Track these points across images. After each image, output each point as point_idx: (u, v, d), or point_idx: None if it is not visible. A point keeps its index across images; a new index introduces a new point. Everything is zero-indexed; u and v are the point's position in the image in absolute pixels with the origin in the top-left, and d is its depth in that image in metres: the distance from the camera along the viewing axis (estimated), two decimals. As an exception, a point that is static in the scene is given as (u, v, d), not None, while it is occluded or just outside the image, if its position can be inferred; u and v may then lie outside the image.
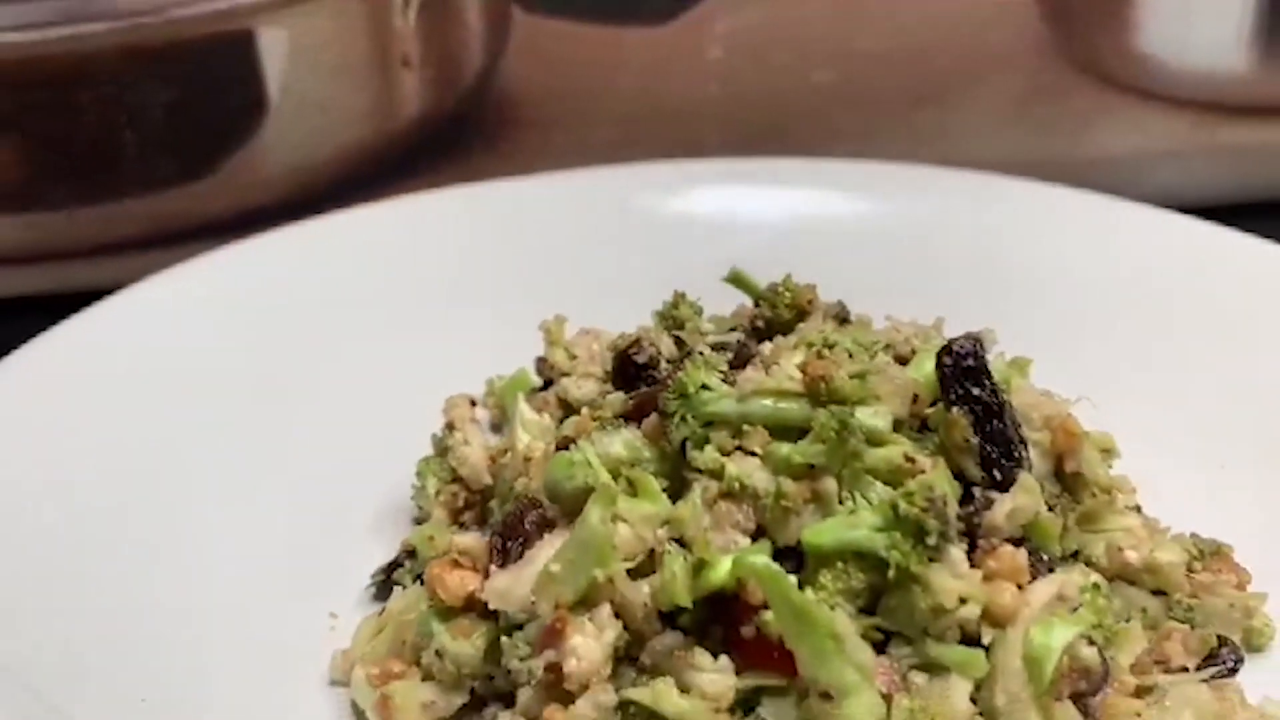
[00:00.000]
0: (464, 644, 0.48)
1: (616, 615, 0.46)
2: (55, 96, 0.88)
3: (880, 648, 0.45)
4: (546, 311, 0.67)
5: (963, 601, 0.43)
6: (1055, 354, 0.63)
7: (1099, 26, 1.04)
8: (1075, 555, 0.52)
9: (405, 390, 0.68)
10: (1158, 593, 0.54)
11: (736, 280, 0.63)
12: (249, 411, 0.66)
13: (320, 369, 0.70)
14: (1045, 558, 0.48)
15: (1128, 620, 0.51)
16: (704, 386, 0.49)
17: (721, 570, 0.44)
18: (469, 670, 0.48)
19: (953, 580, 0.44)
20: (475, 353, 0.69)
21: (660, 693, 0.43)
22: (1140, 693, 0.48)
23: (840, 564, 0.44)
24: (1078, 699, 0.44)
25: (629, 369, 0.58)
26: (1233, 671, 0.50)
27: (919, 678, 0.44)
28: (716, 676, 0.44)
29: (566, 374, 0.62)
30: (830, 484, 0.46)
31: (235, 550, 0.59)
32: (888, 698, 0.43)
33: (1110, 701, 0.44)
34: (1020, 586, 0.45)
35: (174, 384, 0.66)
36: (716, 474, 0.47)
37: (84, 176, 0.91)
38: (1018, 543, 0.48)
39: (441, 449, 0.62)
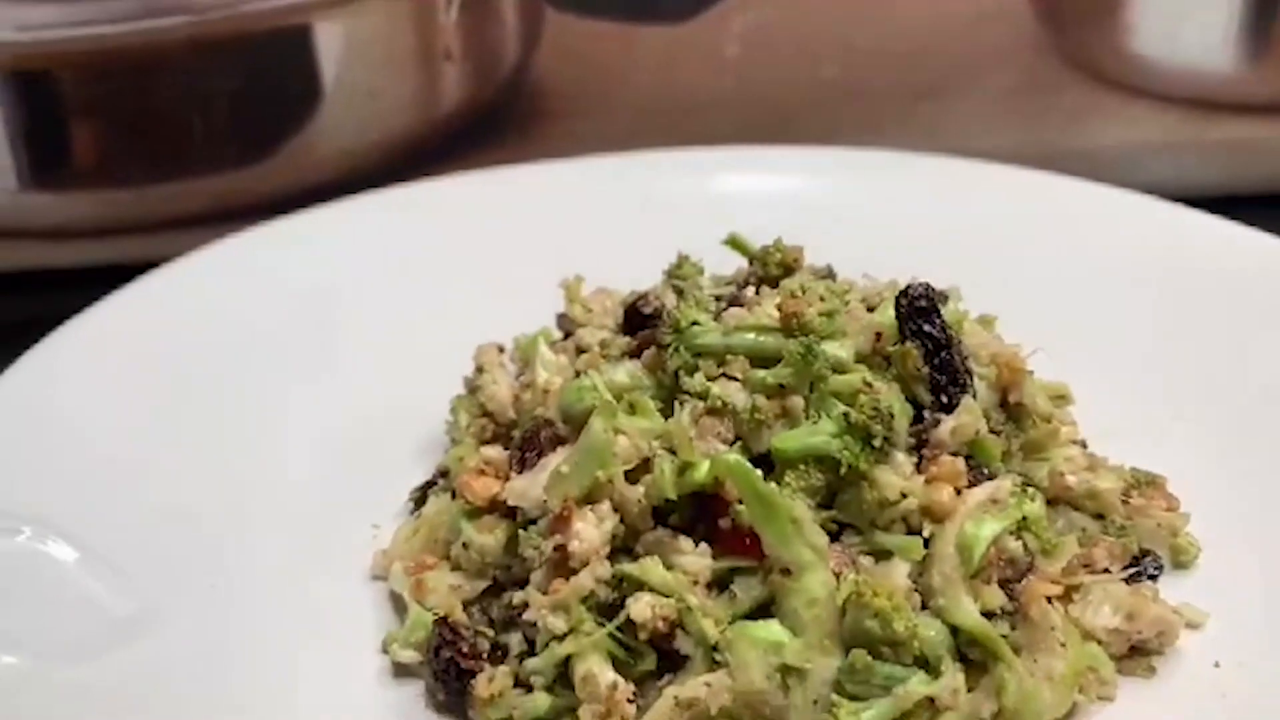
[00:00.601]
0: (487, 537, 0.57)
1: (615, 511, 0.54)
2: (131, 84, 0.98)
3: (834, 537, 0.53)
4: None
5: (904, 496, 0.51)
6: (1025, 317, 0.70)
7: (1091, 26, 1.11)
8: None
9: (440, 345, 0.76)
10: (1098, 517, 0.61)
11: (733, 243, 0.71)
12: (301, 361, 0.75)
13: (366, 325, 0.79)
14: (986, 471, 0.56)
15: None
16: (694, 323, 0.57)
17: (702, 469, 0.52)
18: (491, 559, 0.57)
19: (896, 478, 0.52)
20: (503, 314, 0.77)
21: (648, 568, 0.52)
22: (1068, 591, 0.56)
23: (802, 466, 0.52)
24: (1004, 584, 0.52)
25: (636, 319, 0.66)
26: (1153, 577, 0.58)
27: (866, 561, 0.52)
28: (696, 558, 0.52)
29: (583, 325, 0.71)
30: (797, 401, 0.54)
31: (293, 474, 0.67)
32: (838, 575, 0.51)
33: (1032, 586, 0.52)
34: (959, 490, 0.53)
35: (238, 335, 0.75)
36: (703, 395, 0.56)
37: (155, 157, 1.01)
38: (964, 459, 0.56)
39: (472, 388, 0.70)
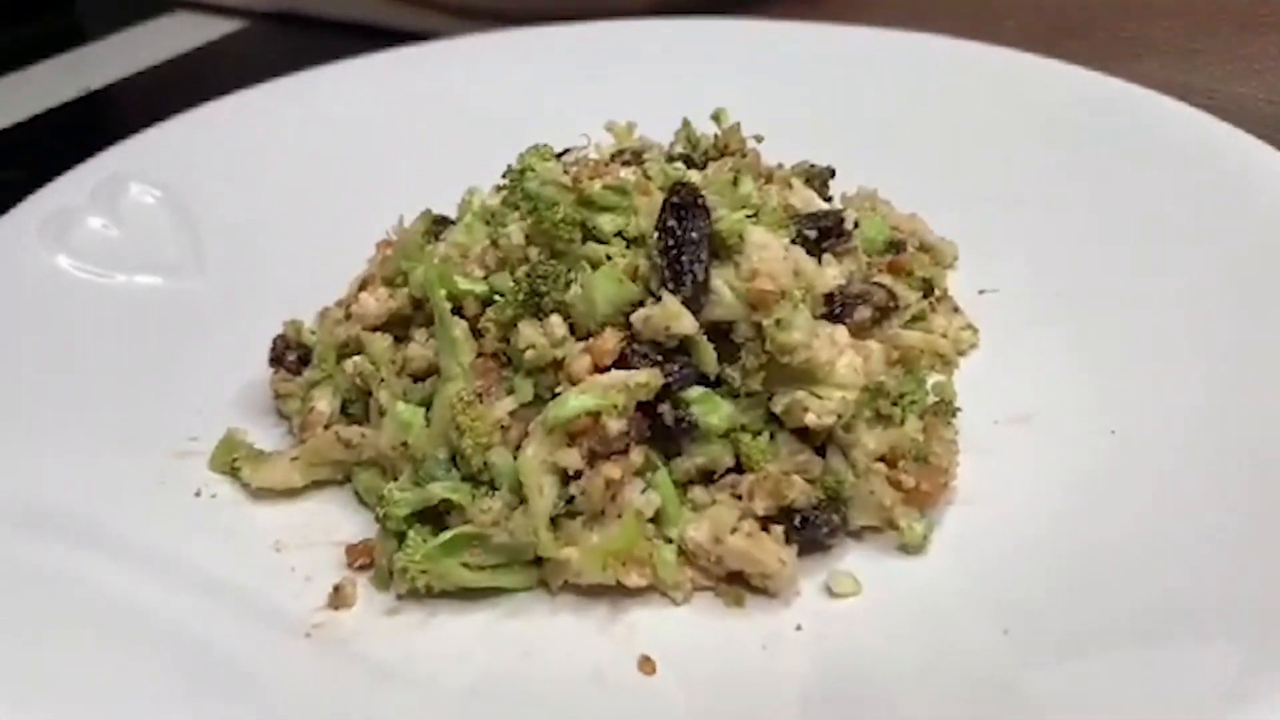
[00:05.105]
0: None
1: (419, 305, 0.67)
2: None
3: (505, 366, 0.61)
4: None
5: (531, 348, 0.58)
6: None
7: None
8: (770, 397, 0.60)
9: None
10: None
11: (715, 117, 0.75)
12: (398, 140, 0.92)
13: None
14: (679, 368, 0.59)
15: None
16: (530, 169, 0.66)
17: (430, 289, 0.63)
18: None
19: (535, 334, 0.58)
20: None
21: (373, 340, 0.65)
22: (699, 508, 0.59)
23: (500, 298, 0.61)
24: (594, 456, 0.57)
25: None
26: (796, 528, 0.57)
27: (503, 390, 0.60)
28: (418, 347, 0.64)
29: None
30: (534, 251, 0.62)
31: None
32: (481, 394, 0.60)
33: (601, 466, 0.56)
34: (604, 369, 0.58)
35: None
36: (503, 224, 0.65)
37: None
38: (671, 354, 0.59)
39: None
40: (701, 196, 0.60)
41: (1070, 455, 0.63)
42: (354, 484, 0.64)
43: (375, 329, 0.66)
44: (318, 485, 0.65)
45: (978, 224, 0.80)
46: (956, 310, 0.74)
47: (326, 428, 0.65)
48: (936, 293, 0.74)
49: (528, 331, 0.59)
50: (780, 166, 0.78)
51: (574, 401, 0.56)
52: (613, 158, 0.77)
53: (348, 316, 0.68)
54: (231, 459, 0.65)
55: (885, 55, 0.92)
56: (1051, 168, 0.82)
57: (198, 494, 0.65)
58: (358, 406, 0.66)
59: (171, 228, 0.83)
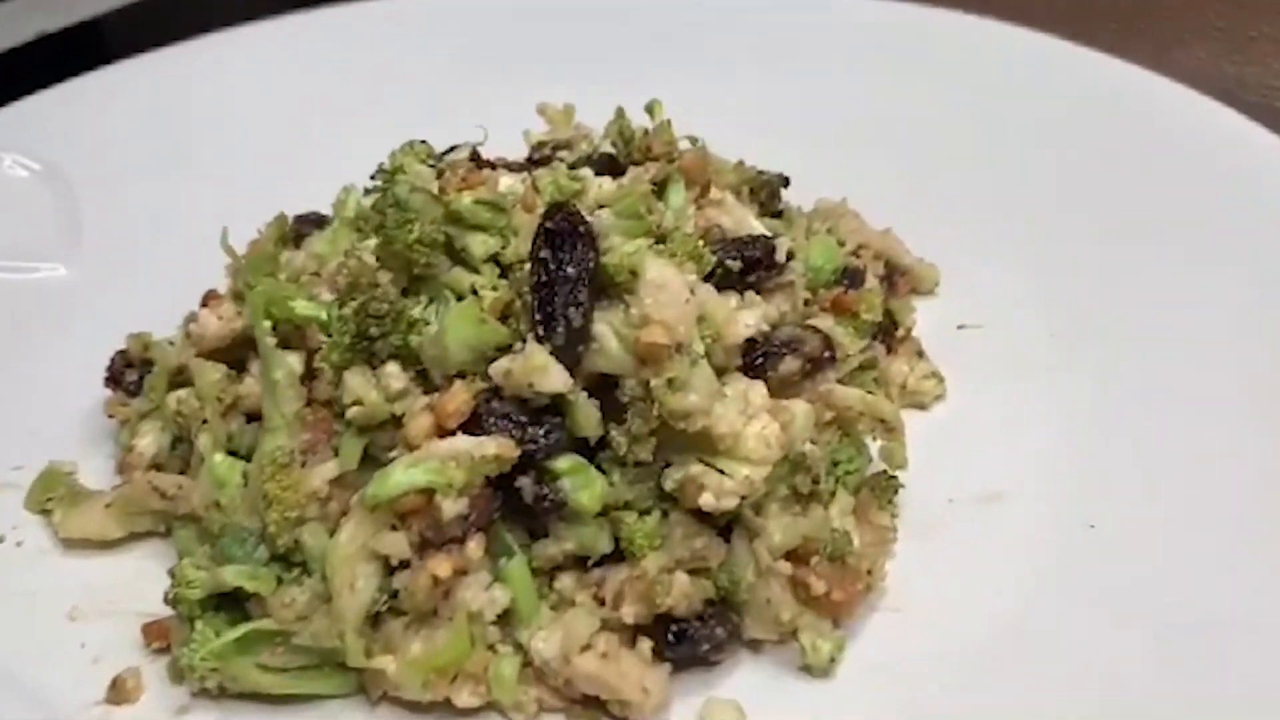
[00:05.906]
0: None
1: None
2: None
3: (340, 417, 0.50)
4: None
5: (360, 404, 0.48)
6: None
7: None
8: (665, 468, 0.49)
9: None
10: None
11: (649, 109, 0.63)
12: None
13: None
14: (546, 431, 0.48)
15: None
16: (401, 169, 0.55)
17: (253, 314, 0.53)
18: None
19: (363, 386, 0.48)
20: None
21: (204, 371, 0.54)
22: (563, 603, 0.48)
23: (328, 336, 0.50)
24: (425, 543, 0.46)
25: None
26: (673, 643, 0.46)
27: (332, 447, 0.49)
28: (255, 383, 0.54)
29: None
30: (384, 276, 0.50)
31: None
32: (309, 450, 0.49)
33: (430, 558, 0.45)
34: (450, 432, 0.47)
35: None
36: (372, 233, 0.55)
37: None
38: (540, 413, 0.48)
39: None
40: (585, 222, 0.49)
41: (1033, 553, 0.52)
42: (174, 541, 0.54)
43: (213, 354, 0.56)
44: (142, 536, 0.56)
45: (966, 242, 0.68)
46: (921, 354, 0.62)
47: (149, 470, 0.55)
48: (899, 331, 0.62)
49: (354, 383, 0.48)
50: (741, 164, 0.66)
51: (400, 476, 0.46)
52: (533, 150, 0.66)
53: (188, 336, 0.58)
54: (47, 498, 0.56)
55: (867, 32, 0.79)
56: (1059, 178, 0.69)
57: (0, 540, 0.56)
58: (185, 447, 0.56)
59: (46, 207, 0.73)
